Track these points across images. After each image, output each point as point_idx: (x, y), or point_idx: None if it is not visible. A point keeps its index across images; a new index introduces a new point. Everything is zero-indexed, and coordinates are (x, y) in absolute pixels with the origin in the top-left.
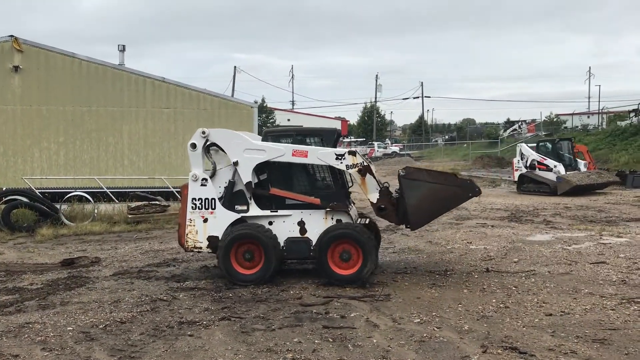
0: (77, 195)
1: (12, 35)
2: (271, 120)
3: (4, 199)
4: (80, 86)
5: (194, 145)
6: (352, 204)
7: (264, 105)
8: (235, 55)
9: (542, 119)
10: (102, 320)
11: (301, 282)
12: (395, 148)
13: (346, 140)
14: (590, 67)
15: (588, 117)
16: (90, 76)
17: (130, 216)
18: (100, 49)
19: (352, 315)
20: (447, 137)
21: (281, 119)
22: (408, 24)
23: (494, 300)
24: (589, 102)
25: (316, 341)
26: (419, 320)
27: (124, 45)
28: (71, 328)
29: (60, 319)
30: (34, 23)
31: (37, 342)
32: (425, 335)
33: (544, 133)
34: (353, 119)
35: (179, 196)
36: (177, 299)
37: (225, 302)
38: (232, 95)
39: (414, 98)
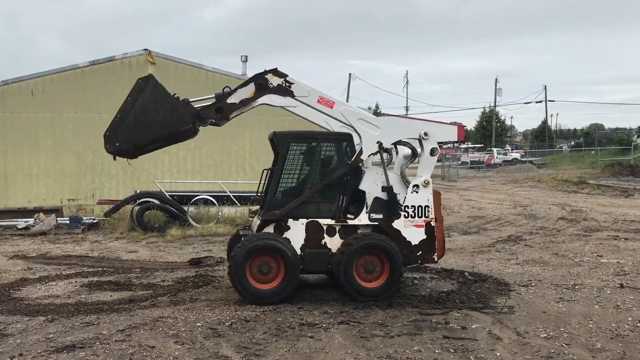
0: (202, 198)
1: (146, 49)
2: None
3: (138, 201)
4: (206, 95)
5: None
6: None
7: (378, 111)
8: (349, 62)
9: None
10: (227, 317)
11: (419, 291)
12: (516, 154)
13: (463, 146)
14: None
15: None
16: (215, 86)
17: (251, 219)
18: (218, 60)
19: (473, 326)
20: (572, 143)
21: None
22: (525, 25)
23: (629, 319)
24: None
25: (436, 351)
26: (545, 335)
27: (246, 56)
28: (200, 324)
29: (190, 315)
30: (161, 37)
31: (170, 335)
32: (552, 351)
33: None
34: (470, 124)
35: None
36: (298, 300)
37: (343, 306)
38: (347, 102)
39: (537, 102)
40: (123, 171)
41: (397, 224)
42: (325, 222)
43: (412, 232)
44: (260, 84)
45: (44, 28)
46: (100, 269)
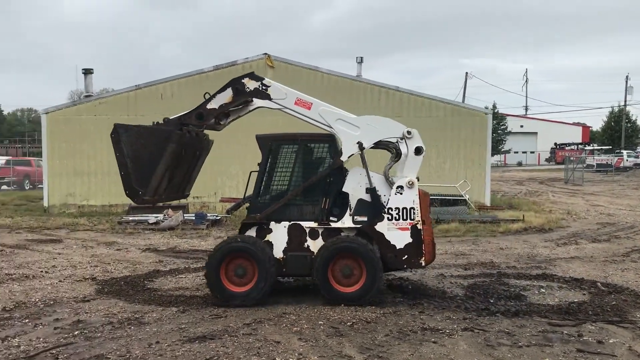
0: None
1: (265, 53)
2: (502, 127)
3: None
4: (322, 97)
5: None
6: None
7: (495, 110)
8: (463, 60)
9: None
10: (348, 317)
11: (546, 300)
12: None
13: (588, 148)
14: None
15: None
16: (330, 87)
17: None
18: (331, 62)
19: (610, 341)
20: None
21: (513, 125)
22: None
23: None
24: None
25: None
26: None
27: (361, 57)
28: (322, 322)
29: (311, 313)
30: (273, 41)
31: (293, 331)
32: None
33: None
34: (596, 124)
35: None
36: (419, 304)
37: (465, 312)
38: (463, 102)
39: None
40: (242, 171)
41: (381, 226)
42: (307, 224)
43: (397, 235)
44: (237, 88)
45: (163, 34)
46: None
